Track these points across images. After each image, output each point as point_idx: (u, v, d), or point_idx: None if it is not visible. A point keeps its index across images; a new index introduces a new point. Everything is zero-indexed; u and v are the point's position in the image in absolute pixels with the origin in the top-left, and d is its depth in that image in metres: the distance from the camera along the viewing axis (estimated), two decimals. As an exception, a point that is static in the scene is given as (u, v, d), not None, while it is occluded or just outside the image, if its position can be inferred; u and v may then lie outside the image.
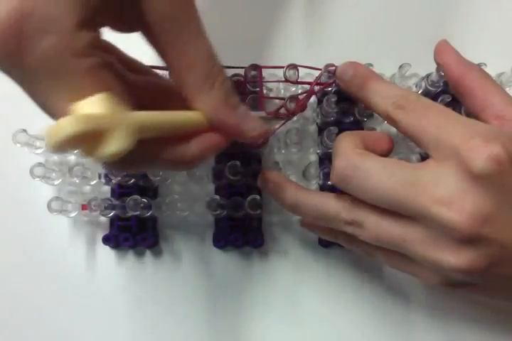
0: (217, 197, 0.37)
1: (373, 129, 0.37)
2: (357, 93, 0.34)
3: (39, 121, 0.38)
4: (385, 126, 0.40)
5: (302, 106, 0.34)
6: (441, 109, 0.30)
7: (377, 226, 0.30)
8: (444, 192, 0.27)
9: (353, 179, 0.29)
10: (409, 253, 0.29)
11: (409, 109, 0.30)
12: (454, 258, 0.27)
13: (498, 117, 0.31)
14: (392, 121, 0.31)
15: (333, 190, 0.37)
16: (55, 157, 0.40)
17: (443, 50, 0.34)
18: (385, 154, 0.32)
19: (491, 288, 0.31)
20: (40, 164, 0.36)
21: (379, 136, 0.33)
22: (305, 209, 0.33)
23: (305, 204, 0.33)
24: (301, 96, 0.35)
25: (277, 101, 0.38)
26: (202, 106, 0.28)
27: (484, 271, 0.27)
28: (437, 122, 0.29)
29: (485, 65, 0.36)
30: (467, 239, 0.27)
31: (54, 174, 0.37)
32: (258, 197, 0.38)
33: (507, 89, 0.38)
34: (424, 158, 0.39)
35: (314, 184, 0.40)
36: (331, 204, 0.32)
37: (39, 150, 0.38)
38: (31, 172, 0.36)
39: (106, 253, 0.40)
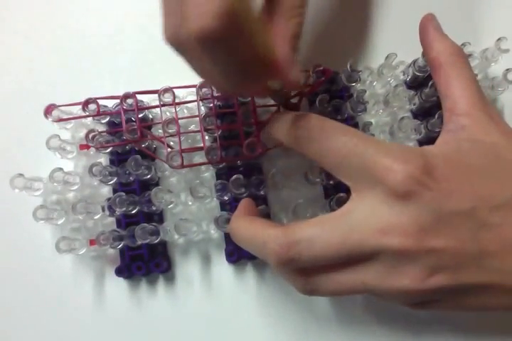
0: (225, 212, 0.37)
1: (369, 123, 0.37)
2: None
3: (33, 164, 0.39)
4: (380, 118, 0.40)
5: (297, 110, 0.34)
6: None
7: (335, 284, 0.30)
8: (383, 222, 0.27)
9: (300, 252, 0.29)
10: (372, 291, 0.29)
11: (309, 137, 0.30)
12: (405, 280, 0.28)
13: (449, 110, 0.32)
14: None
15: (336, 190, 0.37)
16: (54, 196, 0.39)
17: (423, 28, 0.35)
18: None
19: (452, 301, 0.30)
20: (42, 206, 0.36)
21: (246, 203, 0.35)
22: None
23: None
24: (293, 100, 0.35)
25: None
26: (273, 29, 0.29)
27: (436, 287, 0.28)
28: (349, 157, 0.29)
29: (469, 43, 0.36)
30: (412, 257, 0.27)
31: (56, 213, 0.37)
32: (265, 207, 0.38)
33: (492, 65, 0.39)
34: (421, 143, 0.39)
35: (318, 185, 0.40)
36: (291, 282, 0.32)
37: (37, 193, 0.37)
38: (34, 215, 0.35)
39: (117, 286, 0.39)
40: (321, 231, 0.29)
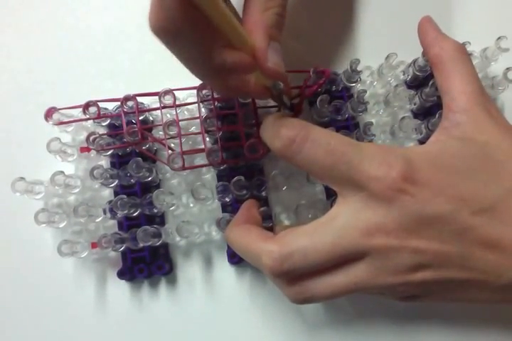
0: (227, 214, 0.37)
1: (370, 124, 0.37)
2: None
3: (33, 168, 0.39)
4: (381, 118, 0.40)
5: (298, 111, 0.34)
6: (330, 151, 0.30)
7: (327, 287, 0.30)
8: (367, 224, 0.28)
9: (294, 263, 0.29)
10: (364, 289, 0.30)
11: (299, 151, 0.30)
12: (393, 276, 0.28)
13: (448, 107, 0.32)
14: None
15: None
16: (55, 200, 0.39)
17: (422, 28, 0.35)
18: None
19: (439, 294, 0.31)
20: (43, 210, 0.36)
21: (248, 206, 0.36)
22: None
23: None
24: (293, 101, 0.35)
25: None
26: (248, 20, 0.30)
27: (422, 281, 0.28)
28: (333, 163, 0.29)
29: (469, 43, 0.36)
30: (398, 255, 0.28)
31: (57, 217, 0.37)
32: (267, 208, 0.38)
33: (492, 64, 0.39)
34: (422, 143, 0.39)
35: (319, 186, 0.40)
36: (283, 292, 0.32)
37: (38, 196, 0.37)
38: (36, 219, 0.35)
39: (119, 289, 0.39)
40: (311, 240, 0.29)
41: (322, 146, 0.29)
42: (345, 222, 0.29)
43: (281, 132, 0.30)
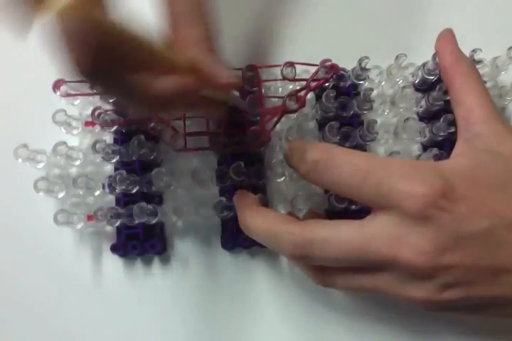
0: (223, 198, 0.37)
1: (374, 122, 0.37)
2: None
3: (37, 137, 0.40)
4: (386, 118, 0.40)
5: (301, 103, 0.34)
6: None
7: (348, 283, 0.31)
8: (399, 239, 0.28)
9: (312, 252, 0.29)
10: (382, 294, 0.30)
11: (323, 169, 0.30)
12: (418, 293, 0.28)
13: (464, 118, 0.32)
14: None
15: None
16: (56, 170, 0.40)
17: (443, 38, 0.35)
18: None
19: (465, 309, 0.30)
20: (43, 178, 0.36)
21: (242, 197, 0.36)
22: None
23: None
24: (299, 93, 0.35)
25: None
26: (184, 38, 0.28)
27: (448, 300, 0.28)
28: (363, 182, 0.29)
29: (480, 50, 0.36)
30: (427, 274, 0.28)
31: (57, 187, 0.37)
32: (263, 195, 0.38)
33: (502, 73, 0.39)
34: (425, 146, 0.39)
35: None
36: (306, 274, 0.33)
37: (40, 165, 0.38)
38: (35, 186, 0.36)
39: (113, 263, 0.40)
40: (334, 236, 0.29)
41: (347, 167, 0.29)
42: (375, 231, 0.28)
43: (305, 156, 0.30)
